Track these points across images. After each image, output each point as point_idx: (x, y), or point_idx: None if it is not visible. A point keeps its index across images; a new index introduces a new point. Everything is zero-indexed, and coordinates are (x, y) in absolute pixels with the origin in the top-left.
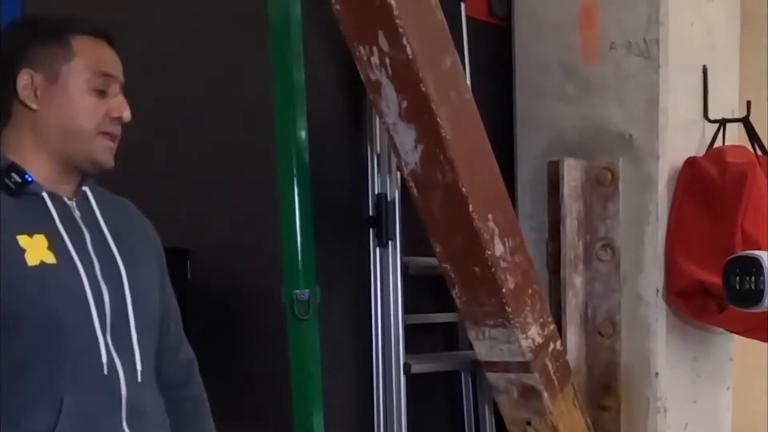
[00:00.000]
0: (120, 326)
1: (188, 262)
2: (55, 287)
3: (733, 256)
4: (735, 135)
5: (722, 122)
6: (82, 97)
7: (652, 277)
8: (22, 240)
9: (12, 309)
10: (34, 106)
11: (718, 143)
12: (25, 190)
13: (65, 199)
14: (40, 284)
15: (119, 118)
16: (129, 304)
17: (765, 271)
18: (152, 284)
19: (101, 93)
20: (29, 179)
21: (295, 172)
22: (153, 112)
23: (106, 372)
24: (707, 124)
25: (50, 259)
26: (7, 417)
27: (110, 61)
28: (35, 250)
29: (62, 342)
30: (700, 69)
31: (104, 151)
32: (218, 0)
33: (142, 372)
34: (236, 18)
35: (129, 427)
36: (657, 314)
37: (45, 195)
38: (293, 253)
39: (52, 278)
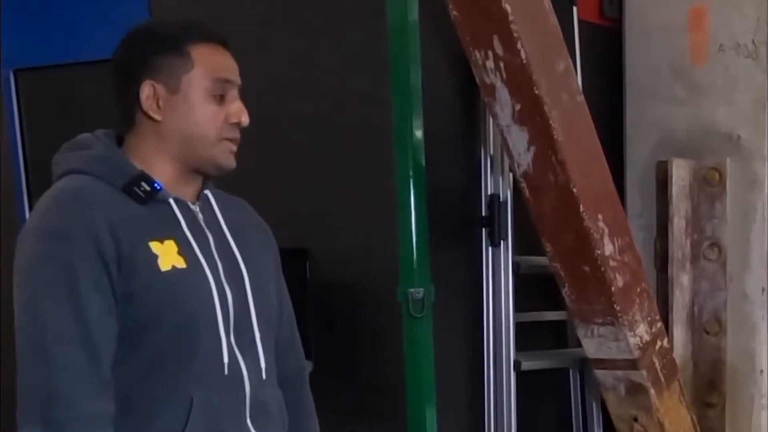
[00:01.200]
0: (243, 326)
1: (307, 262)
2: (186, 291)
3: None
4: None
5: None
6: (202, 106)
7: (759, 276)
8: (155, 246)
9: (148, 312)
10: (157, 117)
11: None
12: (153, 197)
13: (189, 204)
14: (173, 289)
15: (238, 123)
16: (251, 304)
17: None
18: (271, 284)
19: (220, 98)
20: (158, 187)
21: (411, 173)
22: (270, 114)
23: (227, 372)
24: None
25: (181, 263)
26: (141, 413)
27: (228, 66)
28: (167, 255)
29: (192, 343)
30: None
31: (226, 155)
32: (338, 3)
33: (265, 369)
34: (355, 19)
35: (253, 423)
36: (763, 313)
37: (171, 201)
38: (408, 252)
39: (183, 282)
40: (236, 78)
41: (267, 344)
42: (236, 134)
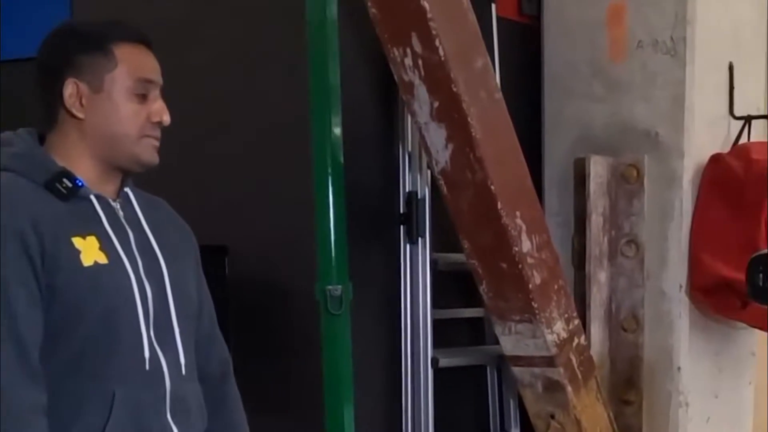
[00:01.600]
0: (163, 322)
1: (226, 260)
2: (108, 286)
3: (757, 253)
4: (760, 132)
5: (748, 119)
6: (125, 105)
7: (676, 273)
8: (77, 242)
9: (71, 306)
10: (80, 115)
11: (744, 140)
12: (75, 194)
13: (110, 200)
14: (95, 284)
15: (160, 122)
16: (171, 300)
17: None
18: (191, 280)
19: (142, 97)
20: (80, 184)
21: (329, 170)
22: (190, 113)
23: (148, 367)
24: (732, 120)
25: (102, 259)
26: (67, 408)
27: (150, 66)
28: (89, 251)
29: (113, 338)
30: (726, 66)
31: (149, 151)
32: (258, 1)
33: (185, 365)
34: (273, 18)
35: (173, 418)
36: (680, 309)
37: (93, 198)
38: (327, 249)
39: (105, 278)
40: (158, 78)
41: (187, 340)
42: (157, 133)
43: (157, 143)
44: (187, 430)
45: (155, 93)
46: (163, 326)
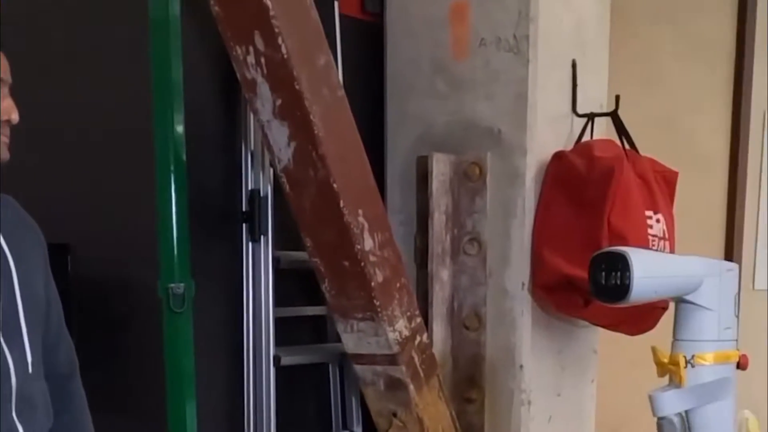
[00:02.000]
0: (10, 320)
1: (69, 257)
2: None
3: (599, 251)
4: (603, 129)
5: (590, 116)
6: None
7: (518, 271)
8: None
9: None
10: None
11: (587, 137)
12: None
13: None
14: None
15: (8, 121)
16: (18, 298)
17: (631, 267)
18: (39, 280)
19: None
20: None
21: (172, 167)
22: (30, 109)
23: None
24: (575, 118)
25: None
26: None
27: None
28: None
29: None
30: (569, 64)
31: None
32: None
33: (32, 364)
34: (116, 15)
35: (18, 417)
36: (522, 307)
37: None
38: (169, 247)
39: None
40: (7, 76)
41: (34, 339)
42: (7, 131)
43: (6, 140)
44: (32, 429)
45: (4, 91)
46: (11, 324)
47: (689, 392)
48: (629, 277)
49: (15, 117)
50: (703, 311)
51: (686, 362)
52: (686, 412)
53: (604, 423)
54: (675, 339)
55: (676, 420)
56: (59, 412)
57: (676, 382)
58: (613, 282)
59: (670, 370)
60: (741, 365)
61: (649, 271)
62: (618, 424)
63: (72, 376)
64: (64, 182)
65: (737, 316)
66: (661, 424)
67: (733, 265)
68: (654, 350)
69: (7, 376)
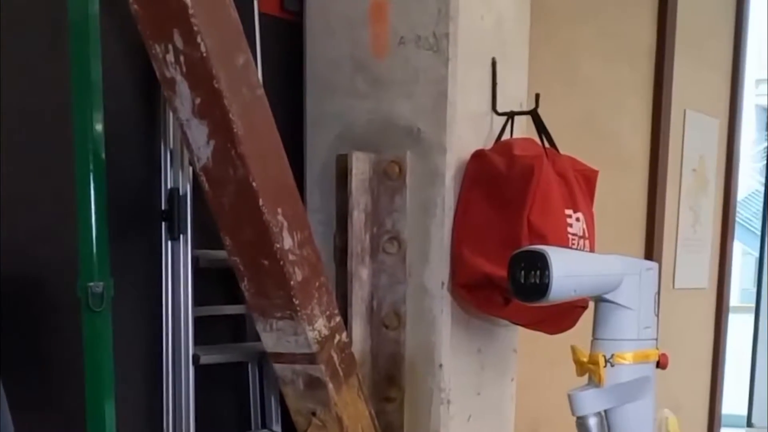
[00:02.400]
0: None
1: None
2: None
3: (518, 250)
4: (523, 127)
5: (510, 115)
6: None
7: (438, 270)
8: None
9: None
10: None
11: (507, 136)
12: None
13: None
14: None
15: None
16: None
17: (550, 265)
18: None
19: None
20: None
21: (91, 166)
22: None
23: None
24: (496, 117)
25: None
26: None
27: None
28: None
29: None
30: (490, 62)
31: None
32: None
33: None
34: (33, 14)
35: None
36: (442, 306)
37: None
38: (88, 246)
39: None
40: None
41: None
42: None
43: None
44: None
45: None
46: None
47: (609, 391)
48: (548, 276)
49: None
50: (622, 310)
51: (605, 361)
52: (606, 411)
53: (524, 422)
54: (594, 338)
55: (595, 419)
56: None
57: (595, 382)
58: (533, 281)
59: (589, 369)
60: (661, 364)
61: (569, 270)
62: (537, 422)
63: None
64: None
65: (657, 315)
66: (580, 423)
67: (653, 264)
68: (573, 349)
69: None
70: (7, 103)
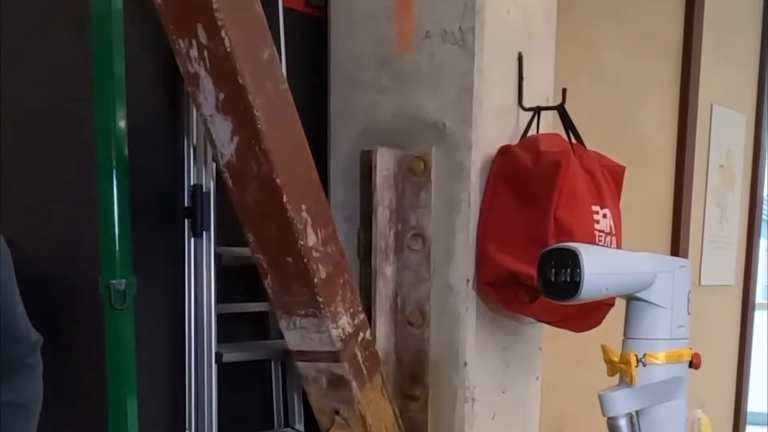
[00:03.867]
0: None
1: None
2: None
3: (549, 248)
4: (550, 123)
5: (537, 110)
6: None
7: (463, 267)
8: None
9: None
10: None
11: (533, 131)
12: None
13: None
14: None
15: None
16: None
17: (581, 263)
18: None
19: None
20: None
21: (114, 163)
22: None
23: None
24: (522, 112)
25: None
26: None
27: None
28: None
29: None
30: (516, 57)
31: None
32: None
33: None
34: (56, 8)
35: None
36: (467, 304)
37: None
38: (110, 243)
39: None
40: None
41: None
42: None
43: None
44: None
45: None
46: None
47: (640, 392)
48: (579, 274)
49: None
50: (655, 309)
51: (638, 361)
52: (637, 412)
53: (549, 420)
54: (626, 337)
55: (626, 420)
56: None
57: (626, 382)
58: (563, 279)
59: (620, 369)
60: (694, 364)
61: (600, 268)
62: (562, 421)
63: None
64: (5, 178)
65: (689, 314)
66: (611, 424)
67: (686, 262)
68: (604, 348)
69: None
70: (29, 100)
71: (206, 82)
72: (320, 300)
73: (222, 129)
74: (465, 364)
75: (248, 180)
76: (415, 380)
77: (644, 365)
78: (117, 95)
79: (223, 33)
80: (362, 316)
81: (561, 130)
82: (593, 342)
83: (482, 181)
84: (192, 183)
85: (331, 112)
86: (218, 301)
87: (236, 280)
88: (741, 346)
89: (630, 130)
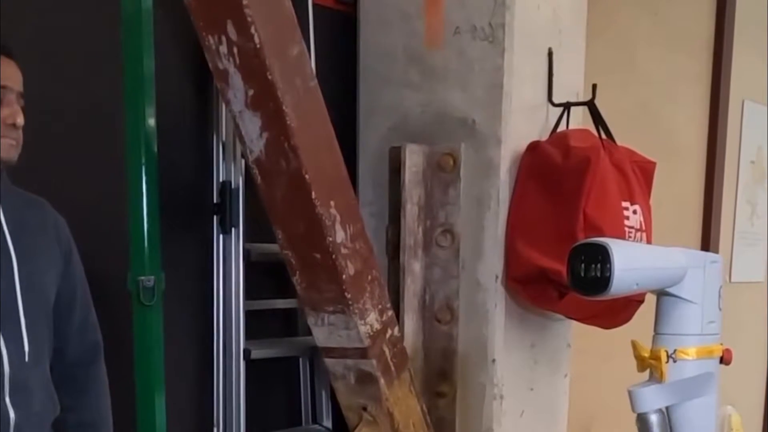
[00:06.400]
0: (9, 312)
1: None
2: None
3: (579, 243)
4: (579, 119)
5: (566, 106)
6: None
7: (492, 263)
8: None
9: None
10: None
11: (563, 127)
12: None
13: None
14: None
15: (13, 125)
16: (18, 292)
17: (612, 258)
18: (49, 278)
19: None
20: None
21: (143, 159)
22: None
23: None
24: (551, 107)
25: None
26: None
27: (4, 74)
28: None
29: None
30: (546, 53)
31: (5, 149)
32: None
33: (29, 353)
34: (87, 6)
35: (11, 400)
36: (495, 300)
37: None
38: (139, 239)
39: None
40: (14, 84)
41: (35, 330)
42: (14, 133)
43: (13, 142)
44: (27, 414)
45: (9, 98)
46: (10, 317)
47: (671, 388)
48: (610, 269)
49: (20, 121)
50: (686, 304)
51: (668, 357)
52: (667, 408)
53: (577, 418)
54: (656, 333)
55: (656, 416)
56: (80, 396)
57: (656, 377)
58: (593, 274)
59: (650, 364)
60: (725, 360)
61: (631, 263)
62: (591, 418)
63: (95, 360)
64: (35, 175)
65: (721, 310)
66: (641, 420)
67: (718, 257)
68: (634, 344)
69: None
70: (60, 99)
71: (235, 79)
72: (348, 296)
73: (251, 125)
74: (493, 361)
75: (277, 176)
76: (443, 377)
77: (674, 361)
78: (146, 93)
79: (252, 29)
80: (390, 312)
81: (591, 126)
82: (623, 339)
83: (511, 178)
84: (221, 179)
85: (360, 108)
86: (246, 297)
87: (265, 276)
88: None
89: (661, 126)
